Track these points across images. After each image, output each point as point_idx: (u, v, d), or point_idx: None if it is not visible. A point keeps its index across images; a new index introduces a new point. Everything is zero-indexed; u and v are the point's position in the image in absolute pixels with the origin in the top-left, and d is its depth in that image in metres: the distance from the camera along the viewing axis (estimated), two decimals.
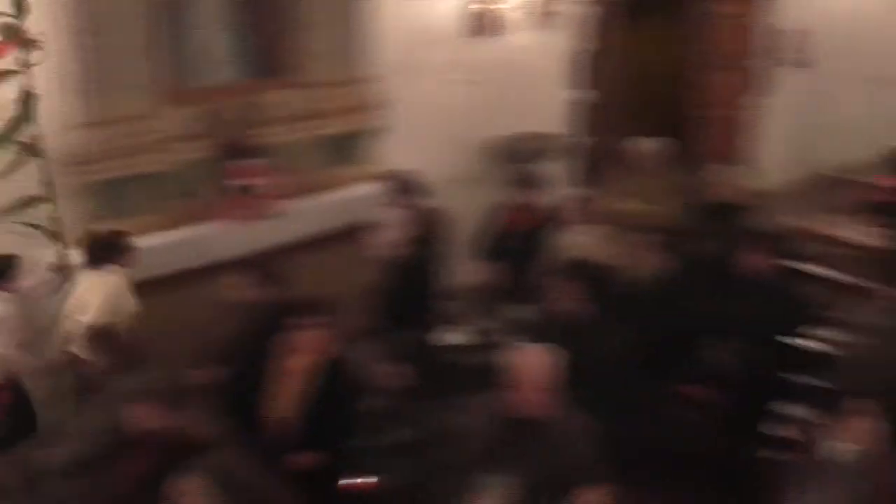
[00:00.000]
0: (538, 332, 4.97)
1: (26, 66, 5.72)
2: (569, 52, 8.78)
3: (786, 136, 10.50)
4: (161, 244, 6.37)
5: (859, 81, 9.07)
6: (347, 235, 6.96)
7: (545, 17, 8.41)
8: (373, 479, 4.89)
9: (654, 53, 10.83)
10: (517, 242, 6.48)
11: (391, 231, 6.37)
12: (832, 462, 4.17)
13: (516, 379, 4.07)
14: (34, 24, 5.73)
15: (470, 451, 4.15)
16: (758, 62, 10.05)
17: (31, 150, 5.83)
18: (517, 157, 8.06)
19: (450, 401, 4.79)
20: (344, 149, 7.42)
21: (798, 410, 5.81)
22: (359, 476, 4.84)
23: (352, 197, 7.29)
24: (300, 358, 4.83)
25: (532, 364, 4.09)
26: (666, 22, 10.70)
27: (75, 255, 5.89)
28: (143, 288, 5.73)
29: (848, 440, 4.16)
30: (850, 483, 4.09)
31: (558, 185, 8.21)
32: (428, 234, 6.32)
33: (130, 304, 5.56)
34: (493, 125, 8.28)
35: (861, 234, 8.29)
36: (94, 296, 5.46)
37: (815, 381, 5.82)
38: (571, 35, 8.72)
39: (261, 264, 5.54)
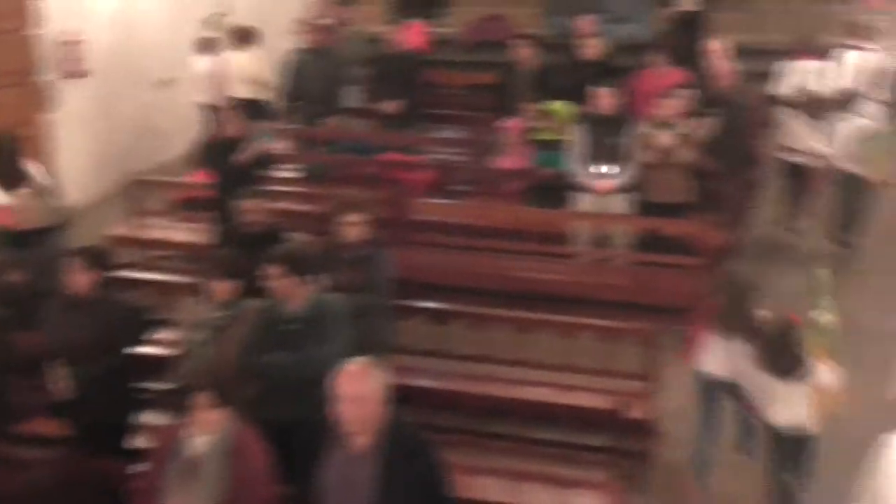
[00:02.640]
0: None
1: None
2: None
3: (85, 148, 10.39)
4: None
5: (141, 85, 9.31)
6: None
7: None
8: None
9: None
10: None
11: None
12: (194, 459, 4.28)
13: None
14: None
15: None
16: (42, 76, 9.74)
17: None
18: None
19: None
20: None
21: (153, 417, 5.90)
22: None
23: None
24: None
25: None
26: None
27: None
28: None
29: (202, 433, 4.30)
30: (214, 474, 4.25)
31: None
32: None
33: None
34: None
35: (182, 232, 8.56)
36: None
37: (162, 385, 5.94)
38: None
39: None
